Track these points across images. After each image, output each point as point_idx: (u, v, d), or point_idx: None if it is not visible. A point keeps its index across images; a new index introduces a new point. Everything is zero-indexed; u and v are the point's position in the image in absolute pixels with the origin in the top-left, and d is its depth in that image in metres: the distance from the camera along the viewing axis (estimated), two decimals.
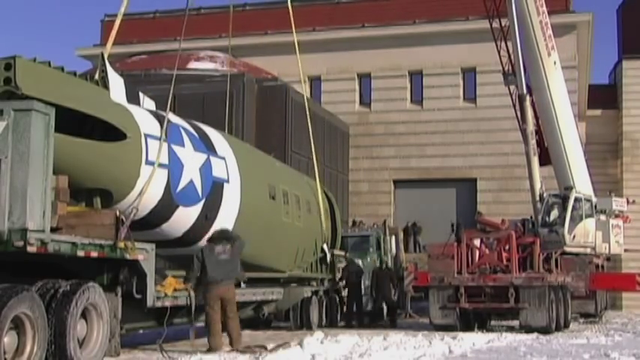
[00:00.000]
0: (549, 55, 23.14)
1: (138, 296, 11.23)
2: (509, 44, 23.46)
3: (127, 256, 10.75)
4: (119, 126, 11.61)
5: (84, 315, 9.94)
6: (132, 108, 12.28)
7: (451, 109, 33.32)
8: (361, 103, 34.95)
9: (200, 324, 15.33)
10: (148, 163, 12.05)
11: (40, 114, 9.26)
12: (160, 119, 12.66)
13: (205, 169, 13.52)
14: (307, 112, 19.33)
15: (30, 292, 9.04)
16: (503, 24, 23.56)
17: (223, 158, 14.28)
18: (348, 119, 33.76)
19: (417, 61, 33.72)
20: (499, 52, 23.93)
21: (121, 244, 10.61)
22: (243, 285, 16.71)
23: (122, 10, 13.39)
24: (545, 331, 17.73)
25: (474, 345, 14.15)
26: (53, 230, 9.64)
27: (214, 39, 31.95)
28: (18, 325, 8.83)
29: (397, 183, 33.98)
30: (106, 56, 12.35)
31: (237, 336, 12.99)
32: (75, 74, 11.63)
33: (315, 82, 34.98)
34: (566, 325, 19.70)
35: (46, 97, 10.30)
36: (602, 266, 24.43)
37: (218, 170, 13.95)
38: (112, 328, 10.58)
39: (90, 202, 11.59)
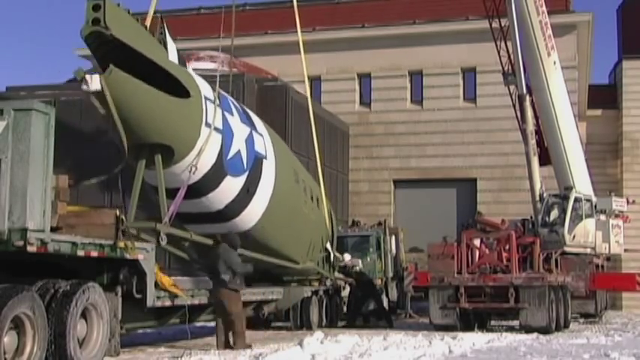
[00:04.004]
0: (549, 55, 23.14)
1: (138, 296, 11.23)
2: (509, 44, 23.46)
3: (127, 256, 10.75)
4: (185, 84, 11.78)
5: (84, 315, 9.94)
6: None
7: (451, 109, 33.28)
8: (361, 103, 34.92)
9: (197, 324, 15.41)
10: (206, 125, 12.29)
11: (40, 114, 9.26)
12: (212, 87, 12.89)
13: (249, 141, 13.77)
14: (311, 114, 19.29)
15: (30, 292, 9.04)
16: (503, 24, 23.56)
17: (262, 135, 14.52)
18: (348, 119, 33.74)
19: (417, 61, 33.69)
20: (499, 52, 23.93)
21: (121, 244, 10.62)
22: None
23: None
24: (545, 331, 17.74)
25: (473, 345, 14.15)
26: (53, 230, 9.64)
27: (214, 39, 31.90)
28: (18, 325, 8.83)
29: (397, 183, 33.94)
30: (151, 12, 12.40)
31: (238, 335, 13.02)
32: (146, 28, 11.80)
33: (315, 82, 34.88)
34: (566, 325, 19.71)
35: (131, 43, 10.71)
36: (602, 266, 24.43)
37: (259, 145, 14.19)
38: (112, 328, 10.58)
39: (151, 161, 11.76)
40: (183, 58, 13.20)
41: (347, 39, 34.44)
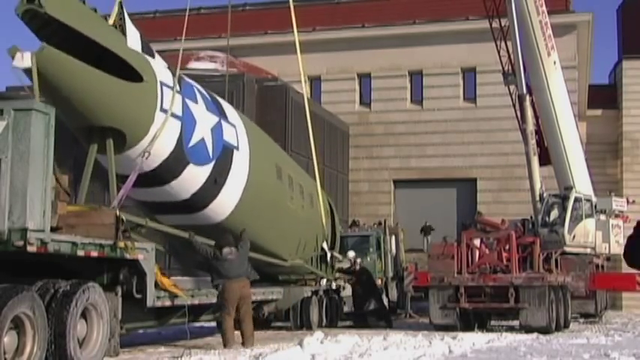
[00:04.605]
0: (549, 55, 23.15)
1: (138, 296, 11.22)
2: (509, 44, 23.46)
3: (127, 256, 10.74)
4: (137, 67, 11.62)
5: (84, 315, 9.93)
6: (148, 57, 12.33)
7: (451, 109, 33.31)
8: (361, 103, 34.95)
9: (197, 324, 15.39)
10: (162, 110, 12.09)
11: (41, 114, 9.25)
12: (174, 73, 12.75)
13: (217, 130, 13.55)
14: (307, 113, 19.30)
15: (30, 292, 9.04)
16: (503, 24, 23.56)
17: (234, 126, 14.32)
18: (348, 119, 33.76)
19: (417, 61, 33.72)
20: (499, 52, 23.93)
21: (121, 244, 10.61)
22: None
23: None
24: (545, 331, 17.73)
25: (473, 345, 14.15)
26: (53, 230, 9.62)
27: (214, 39, 31.95)
28: (18, 325, 8.82)
29: (397, 183, 33.97)
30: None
31: (250, 336, 13.38)
32: (95, 11, 11.64)
33: (315, 82, 34.97)
34: (566, 325, 19.70)
35: (69, 22, 10.45)
36: (602, 266, 24.43)
37: (229, 135, 13.96)
38: (112, 328, 10.57)
39: (102, 146, 11.59)
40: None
41: (347, 39, 34.46)
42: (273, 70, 30.94)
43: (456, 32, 33.26)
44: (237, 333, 13.41)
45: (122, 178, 11.91)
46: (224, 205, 13.93)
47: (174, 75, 12.70)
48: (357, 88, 34.99)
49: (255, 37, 34.77)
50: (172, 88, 12.38)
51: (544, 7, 23.14)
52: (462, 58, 33.19)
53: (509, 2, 22.47)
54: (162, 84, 12.19)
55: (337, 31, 34.59)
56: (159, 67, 12.47)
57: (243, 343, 13.20)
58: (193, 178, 13.09)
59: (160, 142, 12.05)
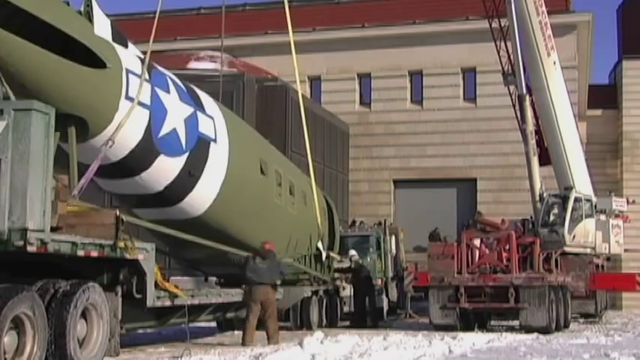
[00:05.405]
0: (549, 55, 23.14)
1: (138, 296, 11.21)
2: (509, 44, 23.46)
3: (127, 256, 10.74)
4: (99, 54, 11.21)
5: (84, 315, 9.94)
6: (115, 45, 11.90)
7: (451, 109, 33.32)
8: (361, 103, 34.96)
9: (197, 324, 15.47)
10: (127, 98, 11.71)
11: (40, 114, 9.25)
12: (144, 62, 12.41)
13: (191, 121, 13.17)
14: (302, 109, 19.22)
15: (30, 292, 9.04)
16: (503, 24, 23.56)
17: (211, 117, 13.94)
18: (348, 119, 33.77)
19: (417, 61, 33.73)
20: (499, 52, 23.93)
21: (121, 244, 10.60)
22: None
23: None
24: (545, 331, 17.74)
25: (473, 345, 14.15)
26: (53, 230, 9.63)
27: (214, 39, 31.94)
28: (18, 325, 8.83)
29: (397, 183, 33.99)
30: None
31: (273, 333, 14.31)
32: None
33: (315, 82, 34.98)
34: (566, 325, 19.71)
35: (20, 4, 9.99)
36: (602, 266, 24.42)
37: (205, 127, 13.59)
38: (112, 328, 10.57)
39: (64, 135, 11.20)
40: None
41: (347, 39, 34.47)
42: (273, 70, 30.93)
43: (456, 32, 33.27)
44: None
45: (87, 168, 11.50)
46: (201, 198, 13.61)
47: (143, 63, 12.31)
48: (357, 88, 35.00)
49: (255, 37, 34.77)
50: (140, 76, 12.00)
51: (544, 8, 23.14)
52: (462, 58, 33.20)
53: (509, 3, 22.46)
54: (128, 71, 11.78)
55: (337, 31, 34.60)
56: (127, 55, 12.06)
57: (268, 340, 14.15)
58: (165, 169, 12.77)
59: (125, 131, 11.67)
